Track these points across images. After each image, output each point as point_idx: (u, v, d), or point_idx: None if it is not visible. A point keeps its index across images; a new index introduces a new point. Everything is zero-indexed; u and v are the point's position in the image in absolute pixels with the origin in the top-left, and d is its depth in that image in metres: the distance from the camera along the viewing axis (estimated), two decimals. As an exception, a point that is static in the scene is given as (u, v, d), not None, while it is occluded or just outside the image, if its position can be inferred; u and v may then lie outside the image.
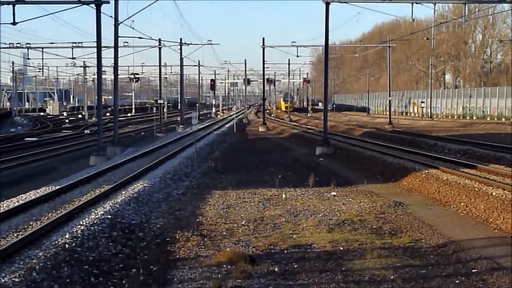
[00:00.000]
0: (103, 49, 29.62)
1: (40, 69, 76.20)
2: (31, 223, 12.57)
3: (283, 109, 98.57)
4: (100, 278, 9.62)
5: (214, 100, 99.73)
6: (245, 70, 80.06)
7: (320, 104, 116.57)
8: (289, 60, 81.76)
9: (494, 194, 15.56)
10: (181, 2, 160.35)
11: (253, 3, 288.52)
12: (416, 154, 26.16)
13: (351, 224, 13.24)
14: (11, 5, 26.98)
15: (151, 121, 56.70)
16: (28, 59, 59.43)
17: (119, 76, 35.70)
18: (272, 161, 26.43)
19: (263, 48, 55.82)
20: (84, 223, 12.13)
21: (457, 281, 9.38)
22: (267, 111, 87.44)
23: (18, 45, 51.27)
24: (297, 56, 63.58)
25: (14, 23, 27.47)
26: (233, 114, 68.23)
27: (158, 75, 55.42)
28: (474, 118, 65.99)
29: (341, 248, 11.22)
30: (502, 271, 9.72)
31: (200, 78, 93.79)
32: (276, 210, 14.97)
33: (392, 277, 9.49)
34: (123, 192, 16.40)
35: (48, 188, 17.08)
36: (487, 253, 10.90)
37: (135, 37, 70.28)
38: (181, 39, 54.93)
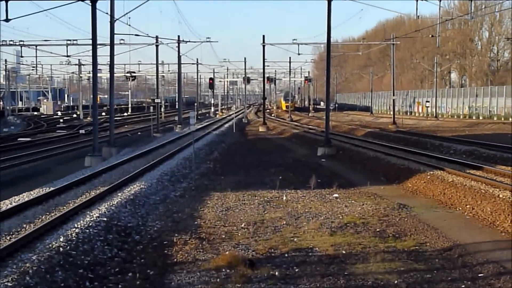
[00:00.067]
0: (98, 46, 29.64)
1: (33, 67, 76.12)
2: (25, 225, 12.57)
3: (284, 108, 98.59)
4: (95, 283, 9.62)
5: (212, 99, 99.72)
6: (245, 69, 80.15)
7: (322, 103, 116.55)
8: (290, 58, 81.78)
9: (501, 196, 15.55)
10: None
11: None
12: (421, 155, 26.16)
13: (353, 227, 13.24)
14: (3, 1, 27.02)
15: (148, 121, 56.71)
16: (21, 57, 59.39)
17: (115, 75, 35.72)
18: (273, 162, 26.44)
19: (264, 46, 55.82)
20: (79, 226, 12.13)
21: (463, 286, 9.38)
22: (267, 110, 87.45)
23: (11, 42, 51.30)
24: (298, 54, 63.34)
25: (6, 20, 27.48)
26: (233, 114, 68.25)
27: (155, 74, 55.40)
28: (481, 118, 65.99)
29: (344, 252, 11.22)
30: (509, 276, 9.71)
31: (199, 77, 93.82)
32: (277, 212, 14.98)
33: (396, 282, 9.49)
34: (119, 194, 16.40)
35: (42, 189, 17.08)
36: (494, 257, 10.89)
37: (132, 35, 69.76)
38: (178, 36, 54.84)
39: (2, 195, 16.73)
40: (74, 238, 11.23)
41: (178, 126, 52.62)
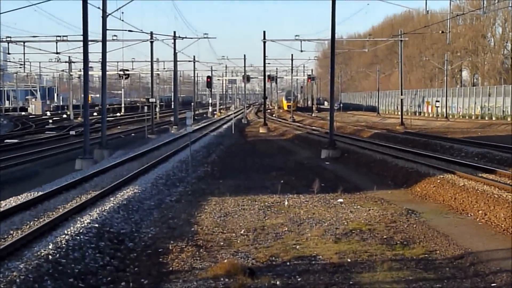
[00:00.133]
0: (90, 43, 29.66)
1: (21, 64, 76.27)
2: (12, 232, 12.57)
3: (286, 108, 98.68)
4: (86, 292, 9.62)
5: (210, 98, 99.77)
6: (244, 66, 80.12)
7: (325, 103, 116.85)
8: (292, 55, 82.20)
9: (515, 201, 15.56)
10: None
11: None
12: (431, 158, 26.18)
13: (359, 234, 13.25)
14: (-10, -4, 27.04)
15: (142, 122, 56.73)
16: (9, 54, 59.39)
17: (107, 73, 35.75)
18: (274, 165, 26.46)
19: (264, 42, 55.88)
20: (69, 233, 12.13)
21: (475, 296, 9.38)
22: (268, 110, 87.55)
23: (-2, 38, 51.31)
24: (301, 51, 63.35)
25: (-7, 15, 27.53)
26: (232, 114, 68.30)
27: (150, 72, 55.42)
28: (493, 118, 66.03)
29: (349, 260, 11.23)
30: (524, 285, 9.72)
31: (196, 75, 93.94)
32: (278, 218, 14.98)
33: (404, 292, 9.49)
34: (112, 199, 16.42)
35: (30, 194, 17.09)
36: (508, 265, 10.89)
37: (125, 30, 70.15)
38: (174, 32, 54.86)
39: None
40: (64, 245, 11.24)
41: (174, 127, 52.60)
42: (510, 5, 60.03)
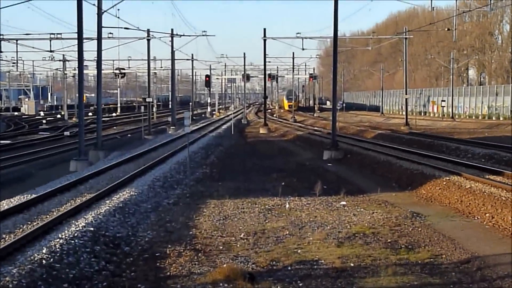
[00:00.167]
0: (85, 41, 29.69)
1: (14, 63, 76.23)
2: (4, 236, 12.57)
3: (287, 108, 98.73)
4: (81, 298, 9.62)
5: (209, 98, 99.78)
6: (244, 65, 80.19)
7: (328, 102, 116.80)
8: (293, 53, 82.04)
9: (523, 204, 15.57)
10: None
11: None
12: (436, 159, 26.18)
13: (363, 238, 13.25)
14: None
15: (138, 122, 56.72)
16: (1, 52, 59.45)
17: (103, 71, 35.74)
18: (275, 167, 26.47)
19: (265, 40, 55.92)
20: (63, 236, 12.13)
21: (482, 302, 9.38)
22: (269, 110, 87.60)
23: (-11, 36, 51.33)
24: (303, 49, 63.32)
25: (-15, 12, 27.52)
26: (231, 114, 68.34)
27: (147, 70, 55.44)
28: (501, 118, 66.05)
29: (352, 265, 11.23)
30: (533, 291, 9.72)
31: (194, 74, 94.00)
32: (279, 221, 14.98)
33: (409, 297, 9.50)
34: (107, 202, 16.41)
35: (23, 197, 17.09)
36: (516, 270, 10.90)
37: (121, 28, 69.90)
38: (172, 29, 54.93)
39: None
40: (58, 249, 11.23)
41: (171, 127, 52.63)
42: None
